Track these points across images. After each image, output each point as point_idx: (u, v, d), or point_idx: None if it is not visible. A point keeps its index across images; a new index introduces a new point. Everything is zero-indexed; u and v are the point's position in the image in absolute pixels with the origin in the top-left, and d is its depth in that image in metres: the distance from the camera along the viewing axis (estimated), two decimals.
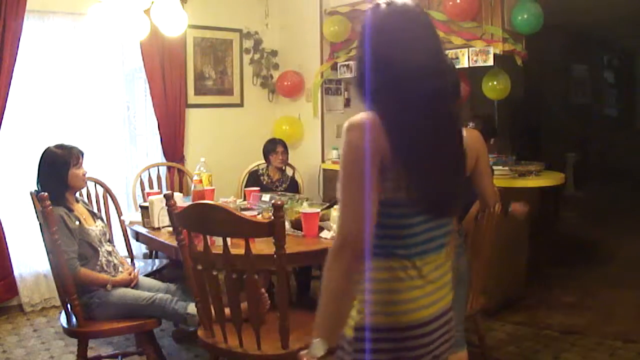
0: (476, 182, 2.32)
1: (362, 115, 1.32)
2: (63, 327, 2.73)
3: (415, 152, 1.31)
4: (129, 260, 3.61)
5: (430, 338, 1.38)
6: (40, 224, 2.68)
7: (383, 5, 1.36)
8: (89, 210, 3.01)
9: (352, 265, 1.28)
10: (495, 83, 4.14)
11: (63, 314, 2.75)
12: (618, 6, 5.44)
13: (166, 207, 2.33)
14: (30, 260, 4.20)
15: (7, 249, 4.04)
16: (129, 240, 3.70)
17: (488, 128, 3.38)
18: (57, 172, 2.80)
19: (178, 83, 4.79)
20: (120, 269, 2.93)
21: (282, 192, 3.97)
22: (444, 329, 1.42)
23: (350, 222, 1.29)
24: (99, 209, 3.70)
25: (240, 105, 5.34)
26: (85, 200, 3.30)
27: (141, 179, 4.31)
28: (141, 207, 3.20)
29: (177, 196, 3.07)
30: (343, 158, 1.32)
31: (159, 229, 3.05)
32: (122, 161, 4.69)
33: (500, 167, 3.83)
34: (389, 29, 1.35)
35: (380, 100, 1.33)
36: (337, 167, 4.95)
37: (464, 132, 2.24)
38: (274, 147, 4.35)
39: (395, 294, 1.35)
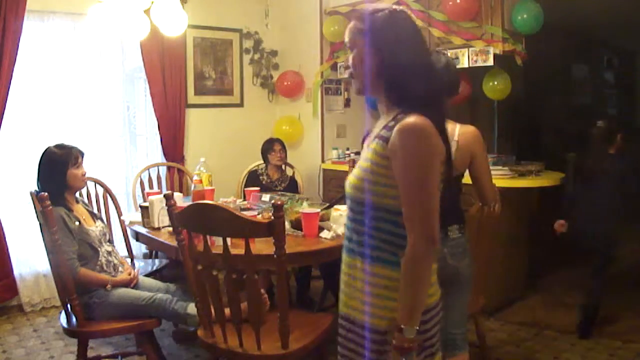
0: (474, 180, 2.32)
1: (418, 119, 1.41)
2: (63, 327, 2.73)
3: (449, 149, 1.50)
4: (129, 260, 3.61)
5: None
6: (40, 224, 2.68)
7: (394, 11, 1.49)
8: (88, 211, 3.01)
9: (432, 260, 1.46)
10: (495, 83, 4.14)
11: (63, 314, 2.75)
12: (618, 6, 5.43)
13: (166, 207, 2.33)
14: (30, 260, 4.20)
15: (7, 249, 4.05)
16: (129, 240, 3.70)
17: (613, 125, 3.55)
18: (56, 172, 2.80)
19: (178, 83, 4.79)
20: (120, 269, 2.93)
21: (282, 192, 3.98)
22: None
23: (434, 224, 1.41)
24: (99, 209, 3.70)
25: (240, 105, 5.34)
26: (85, 200, 3.30)
27: (141, 179, 4.32)
28: (141, 207, 3.20)
29: (177, 196, 3.07)
30: (422, 162, 1.41)
31: (159, 229, 3.05)
32: (122, 161, 4.69)
33: (500, 167, 3.84)
34: (411, 33, 1.49)
35: (421, 103, 1.44)
36: (336, 167, 4.97)
37: (459, 129, 2.25)
38: (271, 146, 4.36)
39: (434, 275, 1.53)
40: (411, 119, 1.41)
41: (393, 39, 1.45)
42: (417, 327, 1.42)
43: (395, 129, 1.42)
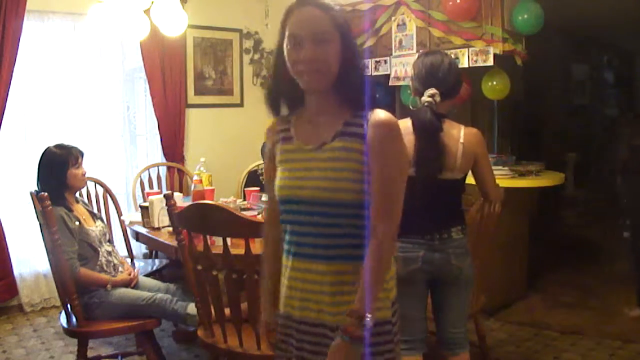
0: (478, 180, 2.35)
1: (391, 116, 1.44)
2: (63, 327, 2.73)
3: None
4: (129, 260, 3.60)
5: None
6: (40, 224, 2.68)
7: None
8: (88, 211, 3.01)
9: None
10: (494, 83, 4.13)
11: (63, 314, 2.75)
12: (618, 6, 5.44)
13: (166, 207, 2.33)
14: (30, 260, 4.20)
15: (7, 249, 4.04)
16: (129, 240, 3.70)
17: None
18: (56, 172, 2.80)
19: (178, 83, 4.79)
20: (120, 269, 2.93)
21: None
22: None
23: (399, 220, 1.44)
24: (99, 209, 3.70)
25: (240, 105, 5.34)
26: (85, 200, 3.31)
27: (141, 179, 4.31)
28: (141, 207, 3.21)
29: (177, 196, 3.07)
30: (400, 156, 1.46)
31: (159, 229, 3.05)
32: (122, 161, 4.69)
33: (500, 167, 3.84)
34: None
35: (377, 100, 1.48)
36: None
37: (463, 132, 2.25)
38: None
39: (393, 268, 1.54)
40: (385, 115, 1.42)
41: (354, 36, 1.47)
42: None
43: (374, 124, 1.41)
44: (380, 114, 1.42)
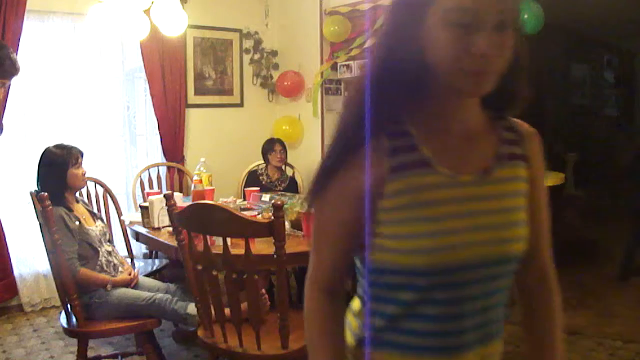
0: None
1: None
2: (63, 327, 2.73)
3: None
4: (129, 260, 3.61)
5: None
6: (40, 224, 2.68)
7: None
8: (89, 211, 3.01)
9: None
10: None
11: (63, 314, 2.75)
12: (618, 6, 5.44)
13: (166, 207, 2.33)
14: (30, 260, 4.20)
15: (7, 249, 4.04)
16: (129, 240, 3.70)
17: None
18: (56, 172, 2.80)
19: (178, 83, 4.79)
20: (120, 269, 2.93)
21: (282, 192, 3.98)
22: None
23: None
24: (99, 209, 3.70)
25: (240, 105, 5.34)
26: (85, 200, 3.31)
27: (141, 179, 4.31)
28: (141, 207, 3.20)
29: (177, 196, 3.07)
30: None
31: (159, 229, 3.05)
32: (122, 161, 4.69)
33: None
34: None
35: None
36: None
37: None
38: (272, 146, 4.36)
39: None
40: (526, 124, 1.08)
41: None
42: None
43: (530, 137, 1.06)
44: (523, 123, 1.07)
